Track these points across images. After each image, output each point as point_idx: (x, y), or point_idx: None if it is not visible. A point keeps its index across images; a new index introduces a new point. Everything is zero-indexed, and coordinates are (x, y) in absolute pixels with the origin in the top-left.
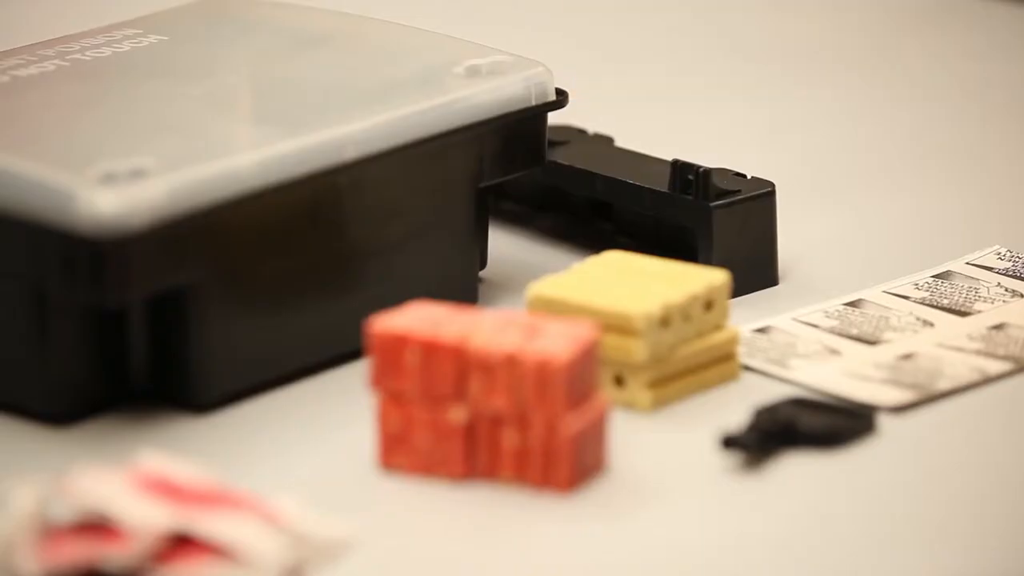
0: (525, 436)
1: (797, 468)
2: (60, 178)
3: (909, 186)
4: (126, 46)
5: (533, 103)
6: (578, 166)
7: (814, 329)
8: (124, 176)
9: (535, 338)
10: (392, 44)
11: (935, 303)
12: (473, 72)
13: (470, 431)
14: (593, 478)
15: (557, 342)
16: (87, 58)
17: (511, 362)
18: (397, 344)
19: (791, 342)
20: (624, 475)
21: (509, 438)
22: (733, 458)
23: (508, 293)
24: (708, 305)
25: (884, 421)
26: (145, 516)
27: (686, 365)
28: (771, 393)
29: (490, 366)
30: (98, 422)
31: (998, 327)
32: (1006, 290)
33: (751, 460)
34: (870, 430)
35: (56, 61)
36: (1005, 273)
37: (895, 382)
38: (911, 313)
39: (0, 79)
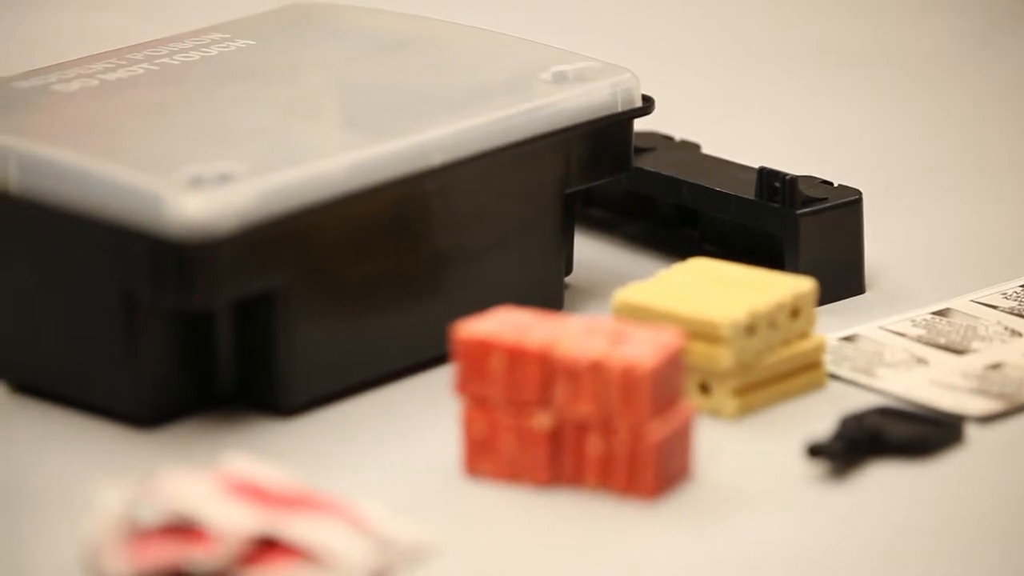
0: (610, 443)
1: (883, 477)
2: (148, 182)
3: (998, 194)
4: (214, 50)
5: (620, 109)
6: (664, 173)
7: (901, 338)
8: (212, 180)
9: (621, 344)
10: (479, 50)
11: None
12: (560, 78)
13: (555, 437)
14: (678, 485)
15: (643, 349)
16: (175, 62)
17: (596, 368)
18: (482, 350)
19: (878, 351)
20: (709, 483)
21: (594, 445)
22: (819, 467)
23: (594, 299)
24: (794, 313)
25: (971, 431)
26: (232, 519)
27: (772, 373)
28: (857, 402)
29: (575, 372)
30: (185, 425)
31: None
32: None
33: (837, 469)
34: (957, 440)
35: (144, 65)
36: None
37: (982, 392)
38: (999, 323)
39: (89, 83)
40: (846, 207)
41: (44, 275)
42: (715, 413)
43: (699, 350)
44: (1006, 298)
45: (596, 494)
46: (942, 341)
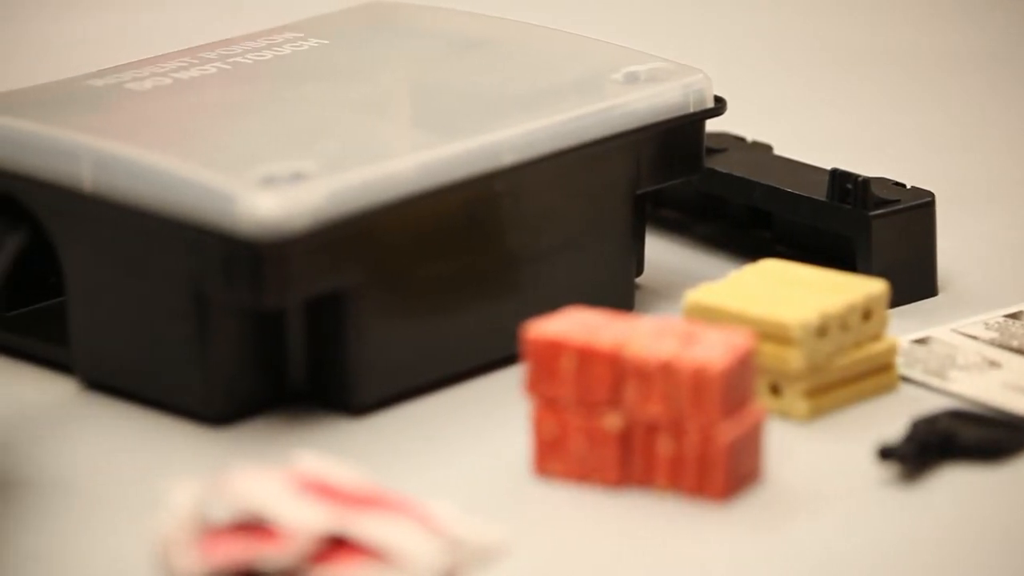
0: (680, 444)
1: (955, 481)
2: (220, 180)
3: None
4: (287, 49)
5: (691, 110)
6: (736, 174)
7: (974, 341)
8: (284, 179)
9: (691, 345)
10: (551, 50)
11: None
12: (632, 78)
13: (625, 438)
14: (748, 487)
15: (713, 350)
16: (248, 61)
17: (667, 369)
18: (553, 350)
19: (950, 353)
20: (779, 485)
21: (664, 445)
22: (890, 470)
23: (665, 300)
24: (866, 315)
25: None
26: (302, 517)
27: (843, 375)
28: (929, 404)
29: (646, 373)
30: (255, 423)
31: None
32: None
33: (908, 472)
34: None
35: (217, 64)
36: None
37: None
38: None
39: (162, 81)
40: (919, 209)
41: (117, 273)
42: (786, 415)
43: (770, 351)
44: None
45: (666, 495)
46: (1015, 344)
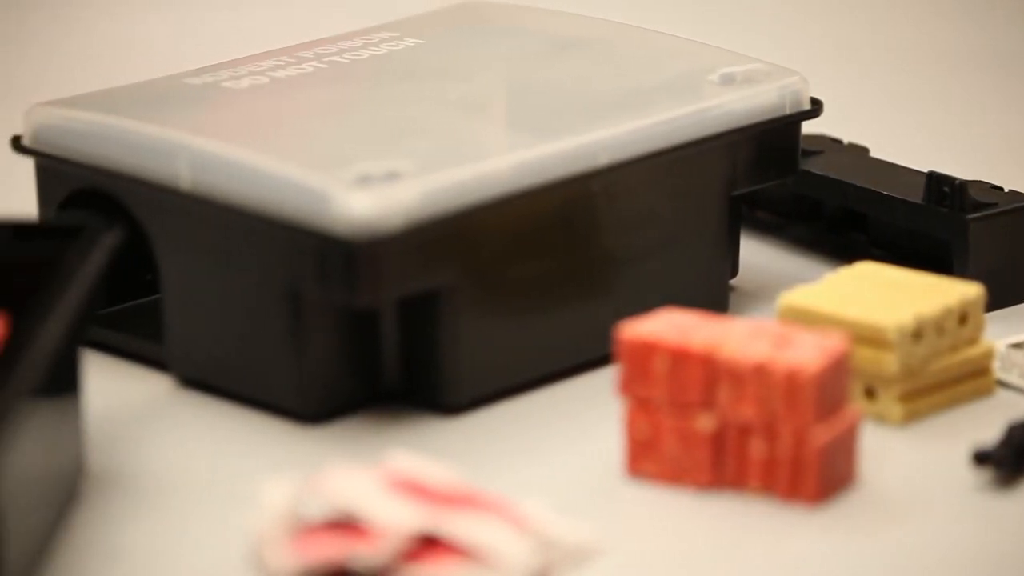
0: (773, 446)
1: None
2: (316, 179)
3: None
4: (383, 49)
5: (787, 112)
6: (832, 176)
7: None
8: (379, 178)
9: (785, 348)
10: (647, 51)
11: None
12: (728, 80)
13: (718, 439)
14: (842, 491)
15: (808, 352)
16: (344, 60)
17: (760, 372)
18: (646, 351)
19: None
20: (873, 489)
21: (757, 448)
22: (985, 474)
23: (759, 302)
24: (962, 319)
25: None
26: (395, 516)
27: (939, 379)
28: None
29: (739, 375)
30: (349, 422)
31: None
32: None
33: (1003, 477)
34: None
35: (314, 63)
36: None
37: None
38: None
39: (259, 80)
40: (1017, 212)
41: (212, 270)
42: (880, 419)
43: (865, 355)
44: None
45: (758, 498)
46: None
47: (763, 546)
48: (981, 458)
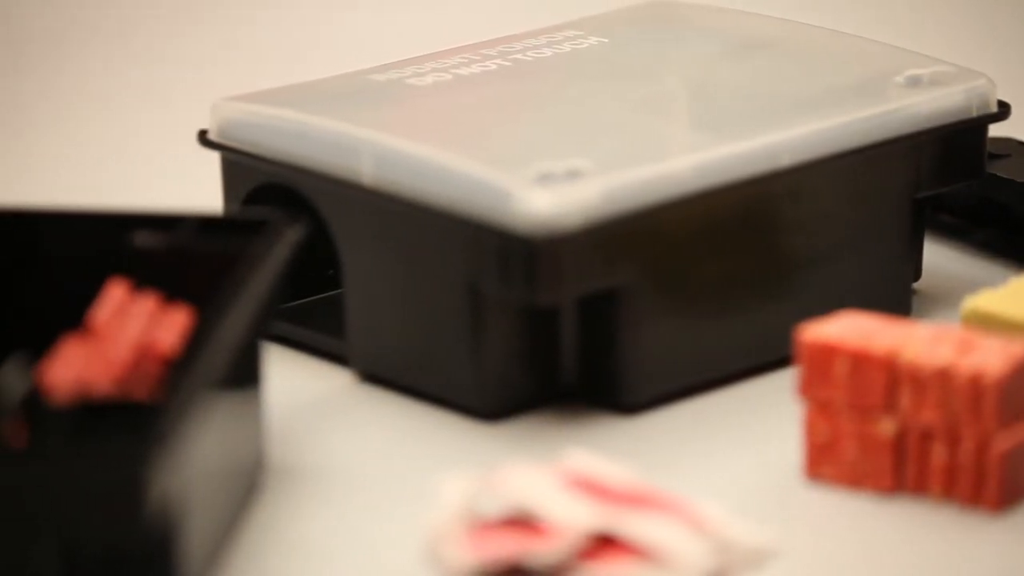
0: (955, 452)
1: None
2: (498, 177)
3: None
4: (567, 47)
5: (974, 114)
6: (1019, 180)
7: None
8: (560, 176)
9: (969, 353)
10: (833, 51)
11: None
12: (914, 81)
13: (899, 444)
14: None
15: (991, 358)
16: (528, 58)
17: (943, 376)
18: (827, 353)
19: None
20: None
21: (938, 453)
22: None
23: (942, 306)
24: None
25: None
26: (572, 515)
27: None
28: None
29: (921, 379)
30: (527, 420)
31: None
32: None
33: None
34: None
35: (498, 61)
36: None
37: None
38: None
39: (442, 77)
40: None
41: (393, 267)
42: None
43: None
44: None
45: (939, 504)
46: None
47: (942, 553)
48: None
